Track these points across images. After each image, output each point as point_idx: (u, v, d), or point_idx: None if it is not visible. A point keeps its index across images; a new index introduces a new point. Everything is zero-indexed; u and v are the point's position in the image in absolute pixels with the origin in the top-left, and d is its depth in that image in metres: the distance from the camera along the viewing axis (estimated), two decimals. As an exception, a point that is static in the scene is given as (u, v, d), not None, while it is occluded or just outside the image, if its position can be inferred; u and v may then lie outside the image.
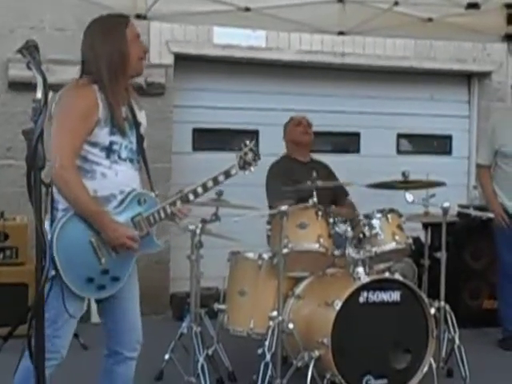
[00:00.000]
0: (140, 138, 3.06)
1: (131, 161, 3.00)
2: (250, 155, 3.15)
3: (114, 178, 2.93)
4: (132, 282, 3.09)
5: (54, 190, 2.84)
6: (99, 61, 2.91)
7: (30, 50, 1.99)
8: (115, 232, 2.87)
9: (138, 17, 5.24)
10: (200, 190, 3.09)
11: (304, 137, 5.14)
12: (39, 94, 1.91)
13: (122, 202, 2.95)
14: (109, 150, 2.91)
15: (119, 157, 2.94)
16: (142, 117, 3.11)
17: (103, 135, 2.89)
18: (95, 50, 2.94)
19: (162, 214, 3.01)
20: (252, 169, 3.17)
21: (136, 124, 3.05)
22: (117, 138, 2.93)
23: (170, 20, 5.78)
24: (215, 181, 3.12)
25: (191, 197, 3.08)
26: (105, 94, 2.88)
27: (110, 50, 2.93)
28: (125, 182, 2.96)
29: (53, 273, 2.76)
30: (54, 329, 2.84)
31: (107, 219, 2.89)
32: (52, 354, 2.85)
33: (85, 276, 2.86)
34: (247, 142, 3.18)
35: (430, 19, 5.49)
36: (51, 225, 2.83)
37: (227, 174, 3.14)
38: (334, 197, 4.94)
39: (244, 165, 3.14)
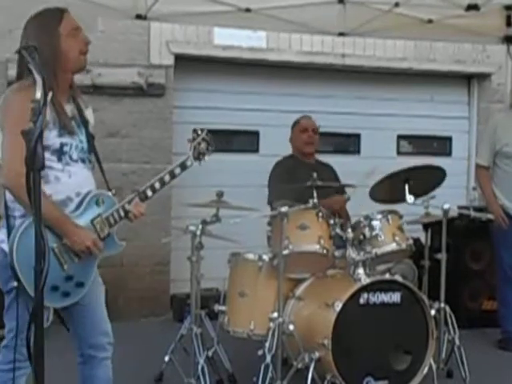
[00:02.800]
0: (90, 137, 2.98)
1: (83, 161, 2.93)
2: (203, 145, 3.11)
3: (68, 181, 2.86)
4: (96, 286, 3.02)
5: (8, 197, 2.78)
6: None
7: (30, 51, 1.98)
8: (78, 237, 2.80)
9: (139, 17, 5.23)
10: (157, 184, 3.04)
11: (306, 147, 5.12)
12: (38, 95, 1.90)
13: (80, 204, 2.88)
14: (60, 153, 2.84)
15: (71, 158, 2.87)
16: (89, 114, 3.03)
17: (52, 137, 2.81)
18: None
19: (122, 214, 2.96)
20: (206, 158, 3.12)
21: (84, 122, 2.98)
22: (66, 139, 2.86)
23: (171, 20, 5.77)
24: (172, 174, 3.08)
25: (149, 193, 3.02)
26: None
27: (42, 47, 2.71)
28: (79, 183, 2.89)
29: (14, 284, 2.68)
30: (21, 338, 2.70)
31: (69, 224, 2.81)
32: (22, 363, 2.76)
33: (49, 284, 2.71)
34: (199, 132, 3.13)
35: (430, 21, 5.48)
36: (8, 234, 2.74)
37: (183, 167, 3.10)
38: None
39: (198, 155, 3.11)
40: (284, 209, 4.00)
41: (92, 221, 2.90)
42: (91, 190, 2.94)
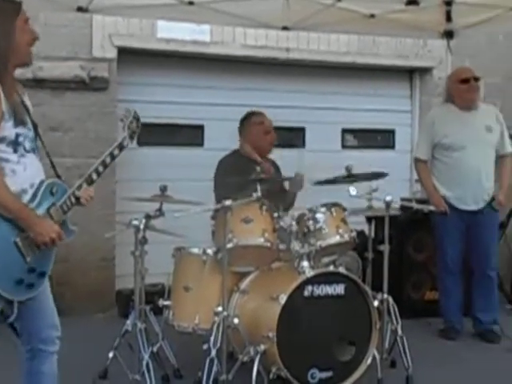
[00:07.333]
0: (33, 124, 2.99)
1: (33, 150, 2.94)
2: (134, 123, 3.23)
3: (23, 173, 2.86)
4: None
5: None
6: None
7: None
8: (43, 229, 2.82)
9: (80, 9, 5.16)
10: (101, 168, 3.11)
11: (269, 147, 5.12)
12: None
13: (35, 194, 2.90)
14: (15, 144, 2.83)
15: (25, 149, 2.87)
16: (27, 100, 3.03)
17: (9, 128, 2.81)
18: None
19: (73, 200, 3.01)
20: (136, 136, 3.26)
21: (27, 110, 2.98)
22: (21, 130, 2.86)
23: (113, 13, 5.71)
24: (112, 156, 3.16)
25: (95, 176, 3.09)
26: (1, 85, 2.79)
27: None
28: (33, 174, 2.91)
29: None
30: None
31: (33, 216, 2.83)
32: None
33: (14, 278, 2.78)
34: (129, 110, 3.25)
35: (373, 15, 5.54)
36: None
37: (121, 147, 3.20)
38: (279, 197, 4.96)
39: (132, 134, 3.23)
40: (227, 202, 4.00)
41: (48, 210, 2.92)
42: (43, 179, 2.95)
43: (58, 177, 3.06)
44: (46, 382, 3.10)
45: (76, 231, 3.09)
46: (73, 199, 3.00)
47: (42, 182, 2.93)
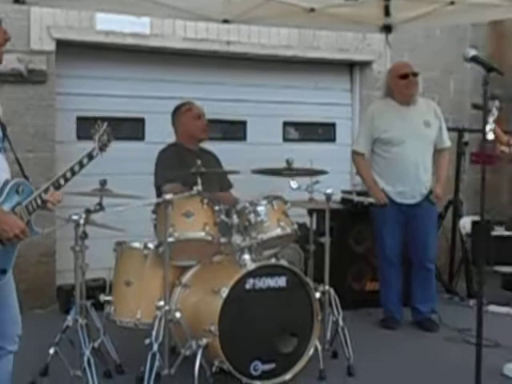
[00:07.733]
0: (3, 126, 3.01)
1: (0, 150, 2.96)
2: (105, 137, 3.26)
3: None
4: (9, 275, 3.05)
5: None
6: None
7: None
8: (7, 225, 2.84)
9: (17, 1, 5.05)
10: (69, 174, 3.13)
11: (203, 134, 5.17)
12: None
13: (1, 192, 2.91)
14: None
15: None
16: None
17: None
18: None
19: (39, 202, 3.01)
20: (107, 149, 3.28)
21: None
22: None
23: (51, 5, 5.60)
24: (80, 164, 3.17)
25: (62, 182, 3.11)
26: None
27: None
28: None
29: None
30: None
31: (0, 211, 2.83)
32: None
33: None
34: (100, 123, 3.30)
35: (313, 9, 5.56)
36: None
37: (90, 157, 3.21)
38: (220, 188, 5.00)
39: (102, 146, 3.25)
40: (168, 196, 3.99)
41: (13, 209, 2.92)
42: (9, 178, 2.96)
43: (25, 177, 3.06)
44: (1, 379, 3.10)
45: (40, 232, 3.09)
46: (39, 201, 3.01)
47: (7, 181, 2.94)
